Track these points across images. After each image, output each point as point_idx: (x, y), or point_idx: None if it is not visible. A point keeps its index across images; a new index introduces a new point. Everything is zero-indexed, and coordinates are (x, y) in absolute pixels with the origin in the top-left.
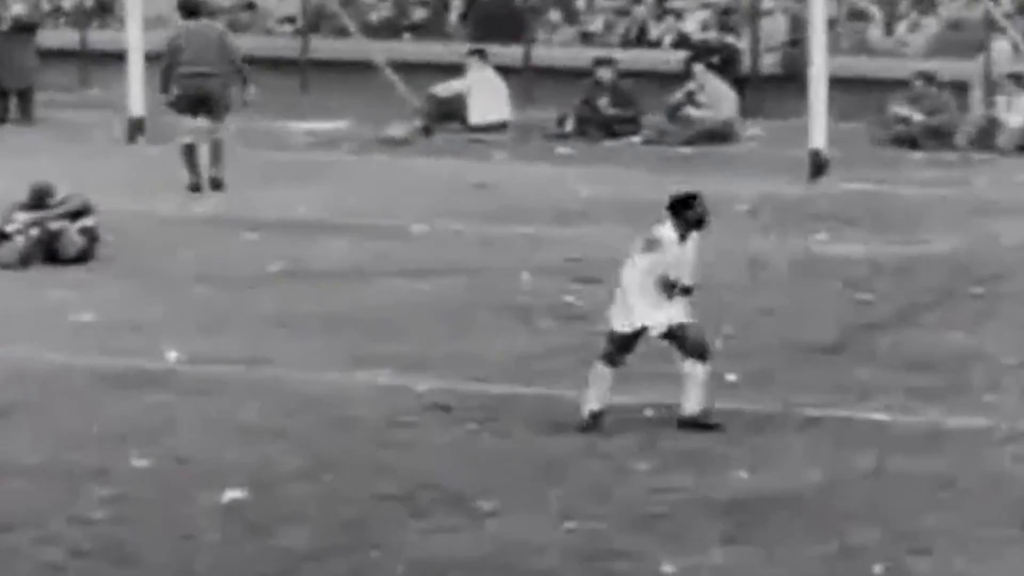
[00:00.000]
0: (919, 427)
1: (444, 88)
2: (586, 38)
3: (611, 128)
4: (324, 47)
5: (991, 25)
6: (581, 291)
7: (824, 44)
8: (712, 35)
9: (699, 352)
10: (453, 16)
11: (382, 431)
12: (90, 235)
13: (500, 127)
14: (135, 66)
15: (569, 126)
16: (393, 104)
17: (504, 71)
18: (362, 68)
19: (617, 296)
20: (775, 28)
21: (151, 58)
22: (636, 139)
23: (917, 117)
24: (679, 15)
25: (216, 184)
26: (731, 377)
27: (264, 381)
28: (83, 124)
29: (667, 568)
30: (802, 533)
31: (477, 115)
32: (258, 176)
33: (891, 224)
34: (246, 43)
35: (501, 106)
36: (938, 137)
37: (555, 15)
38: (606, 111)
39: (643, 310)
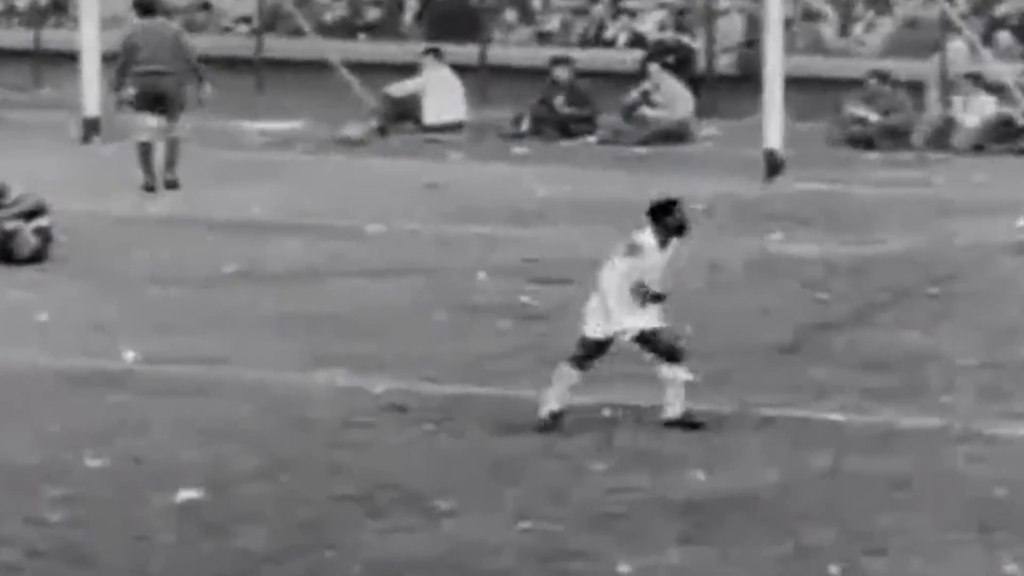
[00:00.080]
0: (875, 427)
1: (399, 88)
2: (542, 38)
3: (567, 128)
4: (279, 47)
5: (947, 25)
6: (537, 291)
7: (779, 44)
8: (668, 35)
9: (673, 355)
10: (408, 16)
11: (339, 431)
12: (44, 235)
13: (456, 127)
14: (90, 66)
15: (525, 126)
16: (348, 104)
17: (460, 70)
18: (317, 68)
19: (593, 299)
20: (731, 28)
21: (107, 58)
22: (592, 139)
23: (873, 117)
24: (633, 15)
25: (171, 184)
26: (688, 377)
27: (220, 381)
28: (37, 124)
29: (623, 568)
30: (758, 533)
31: (432, 115)
32: (213, 176)
33: (847, 224)
34: (202, 43)
35: (457, 106)
36: (894, 137)
37: (511, 14)
38: (562, 110)
39: (619, 316)
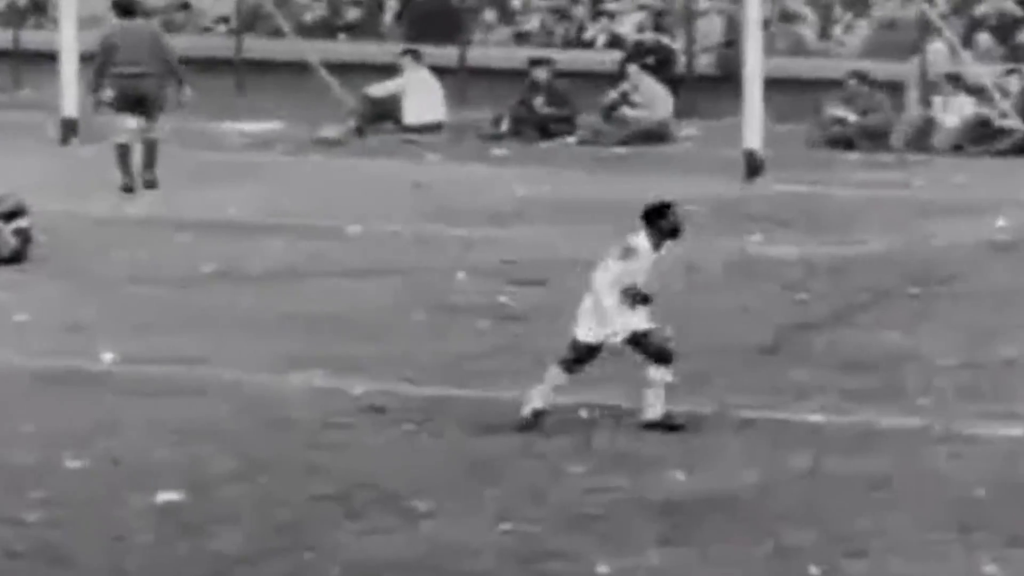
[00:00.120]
0: (854, 428)
1: (378, 88)
2: (521, 38)
3: (546, 128)
4: (258, 47)
5: (926, 26)
6: (516, 292)
7: (759, 45)
8: (648, 36)
9: (663, 357)
10: (388, 16)
11: (317, 432)
12: (23, 236)
13: (435, 128)
14: (69, 66)
15: (504, 126)
16: (328, 105)
17: (439, 71)
18: (296, 68)
19: (586, 301)
20: (710, 29)
21: (85, 58)
22: (571, 139)
23: (852, 118)
24: (612, 16)
25: (150, 184)
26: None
27: (199, 382)
28: (16, 125)
29: (602, 569)
30: (738, 534)
31: (412, 116)
32: (192, 176)
33: (826, 225)
34: (180, 43)
35: (436, 107)
36: (873, 138)
37: (490, 15)
38: (541, 111)
39: (612, 317)
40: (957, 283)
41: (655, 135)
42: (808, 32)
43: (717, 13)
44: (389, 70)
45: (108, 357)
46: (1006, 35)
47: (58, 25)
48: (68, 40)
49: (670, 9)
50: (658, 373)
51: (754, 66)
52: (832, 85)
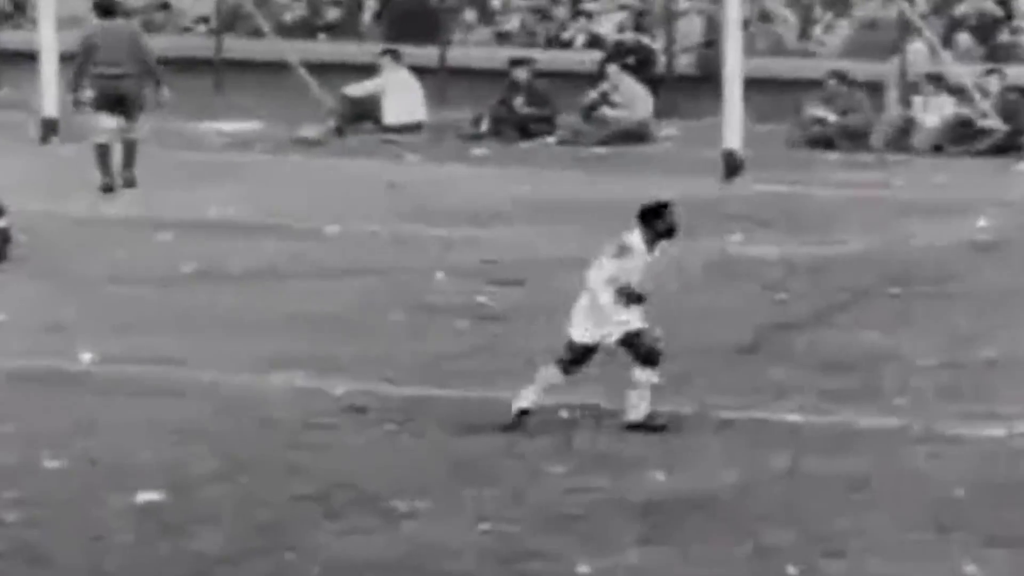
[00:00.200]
0: (833, 428)
1: (357, 88)
2: (501, 38)
3: (526, 128)
4: (238, 47)
5: (906, 26)
6: (496, 292)
7: (739, 45)
8: (628, 36)
9: (650, 359)
10: (367, 16)
11: (297, 432)
12: (3, 236)
13: (415, 128)
14: (48, 66)
15: (484, 126)
16: (307, 104)
17: (419, 71)
18: (276, 68)
19: (582, 299)
20: (690, 29)
21: (65, 58)
22: (551, 139)
23: (832, 118)
24: (590, 16)
25: (129, 182)
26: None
27: (179, 382)
28: None
29: (583, 569)
30: (717, 534)
31: (391, 116)
32: (172, 176)
33: (806, 225)
34: (160, 43)
35: (416, 107)
36: (853, 138)
37: (470, 15)
38: (521, 111)
39: (608, 316)
40: (937, 283)
41: (635, 135)
42: (788, 32)
43: (697, 13)
44: (369, 70)
45: (87, 357)
46: (986, 35)
47: (37, 25)
48: (48, 40)
49: (650, 9)
50: (644, 375)
51: (734, 66)
52: (812, 85)
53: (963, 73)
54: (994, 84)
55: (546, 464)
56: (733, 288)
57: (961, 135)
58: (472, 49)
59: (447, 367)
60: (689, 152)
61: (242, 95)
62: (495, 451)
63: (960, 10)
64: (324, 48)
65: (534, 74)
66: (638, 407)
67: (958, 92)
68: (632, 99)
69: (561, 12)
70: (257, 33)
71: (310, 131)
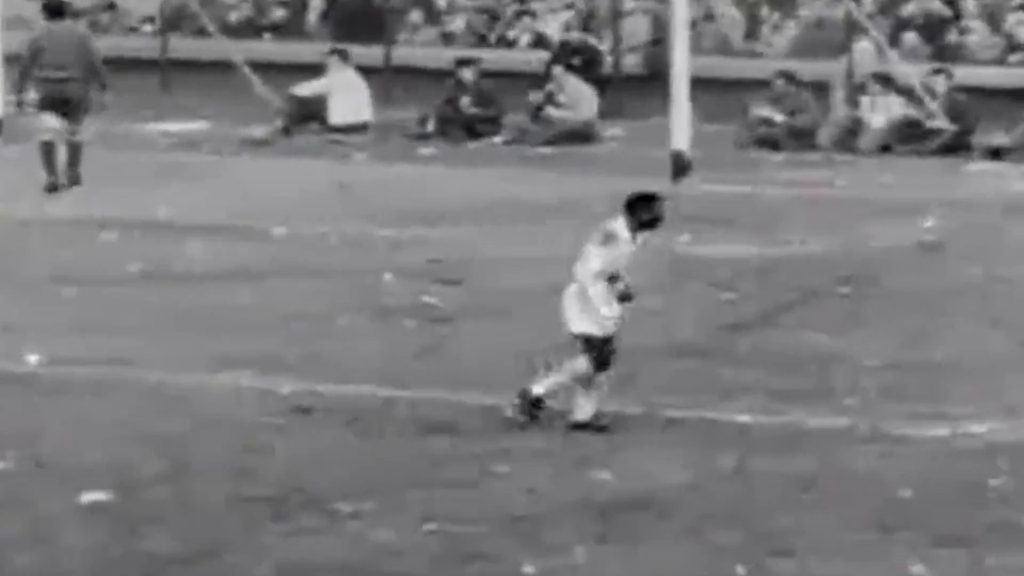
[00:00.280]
0: (781, 428)
1: (303, 88)
2: (447, 38)
3: (473, 128)
4: (184, 47)
5: (853, 26)
6: (443, 292)
7: (686, 44)
8: (574, 35)
9: (604, 362)
10: (313, 16)
11: (244, 433)
12: None
13: (361, 128)
14: None
15: (430, 126)
16: (254, 104)
17: (364, 71)
18: (222, 68)
19: (573, 293)
20: (637, 28)
21: (10, 59)
22: (498, 139)
23: (779, 118)
24: (534, 15)
25: (73, 181)
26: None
27: (126, 383)
28: None
29: (528, 569)
30: (665, 534)
31: (338, 116)
32: (118, 177)
33: (754, 225)
34: (106, 43)
35: (362, 107)
36: (800, 138)
37: (416, 15)
38: (468, 111)
39: (600, 304)
40: (885, 283)
41: (580, 135)
42: (735, 32)
43: (643, 13)
44: (315, 70)
45: (33, 359)
46: (933, 35)
47: None
48: None
49: (596, 9)
50: (598, 377)
51: (681, 66)
52: (759, 85)
53: (910, 73)
54: (941, 84)
55: (492, 464)
56: (681, 288)
57: (909, 135)
58: (418, 49)
59: (395, 368)
60: (636, 152)
61: (188, 95)
62: (442, 452)
63: (907, 10)
64: (270, 48)
65: (480, 74)
66: (584, 408)
67: (906, 92)
68: (577, 99)
69: (509, 12)
70: (203, 33)
71: (257, 131)
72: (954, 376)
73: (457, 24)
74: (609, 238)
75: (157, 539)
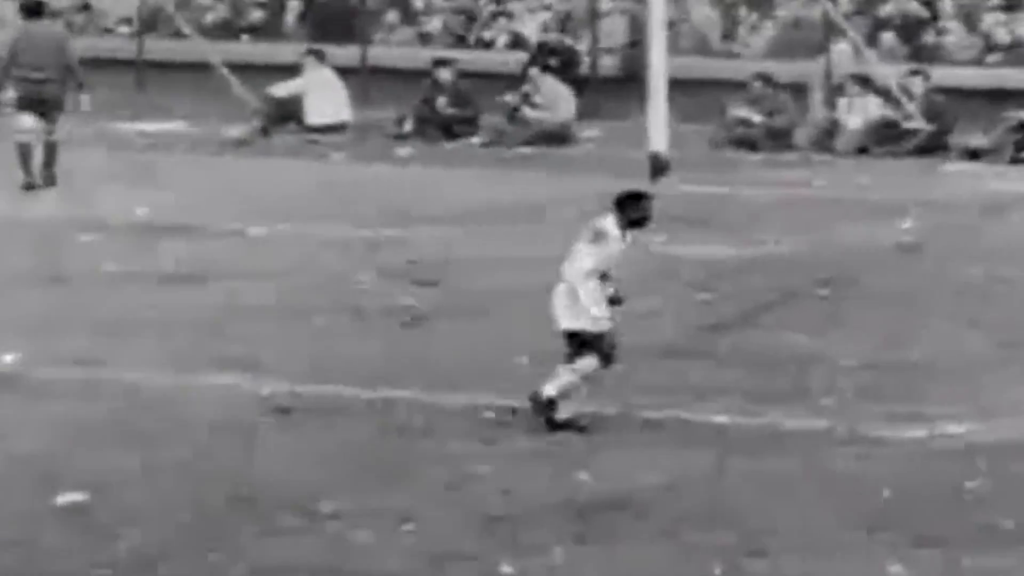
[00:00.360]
0: (759, 429)
1: (280, 88)
2: (424, 38)
3: (450, 129)
4: (160, 48)
5: (830, 26)
6: (420, 293)
7: (663, 45)
8: (552, 36)
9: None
10: (290, 17)
11: (222, 434)
12: None
13: (339, 128)
14: None
15: (408, 127)
16: (231, 105)
17: (341, 71)
18: (199, 69)
19: (562, 292)
20: (614, 29)
21: None
22: (475, 140)
23: (757, 119)
24: (511, 16)
25: (48, 180)
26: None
27: (102, 383)
28: None
29: (506, 569)
30: (642, 534)
31: (315, 116)
32: (94, 177)
33: (732, 226)
34: (82, 44)
35: (339, 107)
36: (778, 139)
37: (392, 15)
38: (445, 112)
39: (591, 302)
40: (863, 284)
41: (557, 136)
42: (712, 32)
43: (621, 13)
44: (292, 70)
45: (9, 359)
46: (910, 35)
47: None
48: None
49: (574, 9)
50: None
51: (658, 67)
52: (737, 86)
53: (887, 74)
54: (918, 85)
55: (470, 465)
56: (658, 289)
57: (886, 136)
58: (394, 49)
59: (373, 368)
60: (613, 153)
61: (164, 96)
62: (420, 452)
63: (884, 10)
64: (247, 49)
65: (458, 75)
66: (567, 405)
67: (883, 93)
68: (554, 100)
69: (485, 12)
70: (179, 34)
71: (236, 131)
72: (932, 377)
73: (434, 24)
74: (600, 236)
75: (134, 540)
